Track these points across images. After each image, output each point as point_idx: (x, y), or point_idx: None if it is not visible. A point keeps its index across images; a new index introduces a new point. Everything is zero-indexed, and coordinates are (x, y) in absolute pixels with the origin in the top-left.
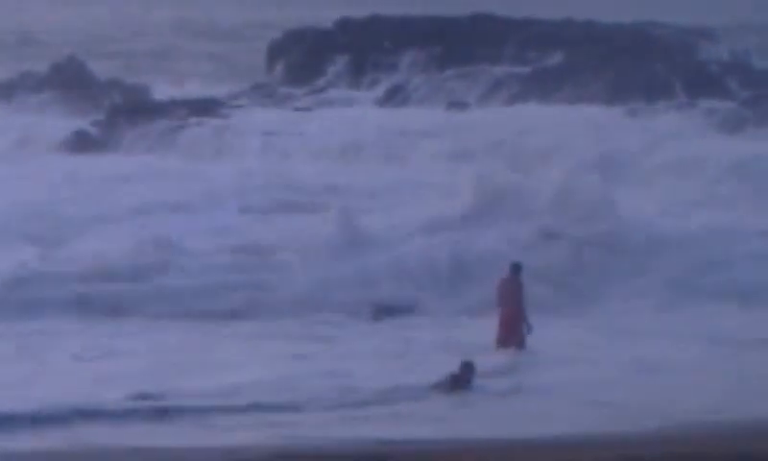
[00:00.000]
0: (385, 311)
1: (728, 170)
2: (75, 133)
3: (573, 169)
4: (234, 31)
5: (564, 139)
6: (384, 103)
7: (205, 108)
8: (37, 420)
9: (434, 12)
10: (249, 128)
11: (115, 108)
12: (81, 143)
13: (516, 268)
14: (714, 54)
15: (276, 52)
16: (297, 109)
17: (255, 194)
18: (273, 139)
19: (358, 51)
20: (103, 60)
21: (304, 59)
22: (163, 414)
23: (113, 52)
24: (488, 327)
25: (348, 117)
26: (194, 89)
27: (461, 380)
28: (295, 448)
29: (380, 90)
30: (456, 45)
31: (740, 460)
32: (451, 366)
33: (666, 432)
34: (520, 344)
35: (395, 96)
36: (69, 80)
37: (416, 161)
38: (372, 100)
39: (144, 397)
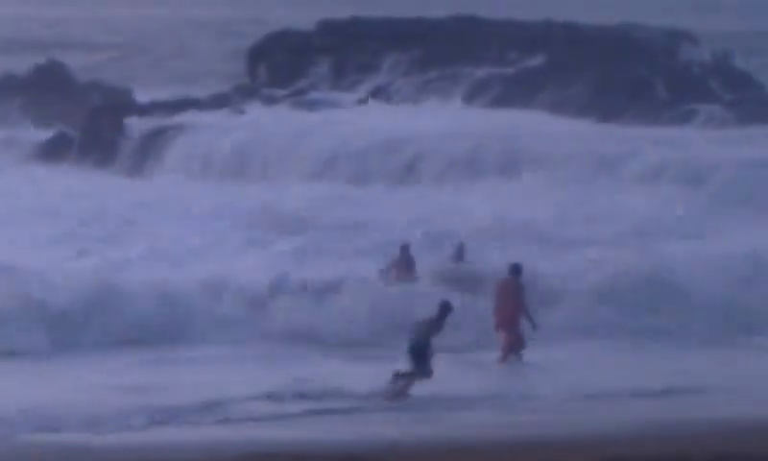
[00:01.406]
0: None
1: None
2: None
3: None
4: (215, 31)
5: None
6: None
7: (185, 110)
8: None
9: (416, 13)
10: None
11: (95, 110)
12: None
13: (515, 269)
14: (696, 56)
15: (257, 54)
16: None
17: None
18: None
19: (340, 53)
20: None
21: (286, 61)
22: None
23: (95, 53)
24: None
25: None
26: (174, 91)
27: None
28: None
29: (362, 92)
30: (438, 47)
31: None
32: None
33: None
34: (521, 344)
35: (377, 98)
36: (49, 83)
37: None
38: (354, 102)
39: None
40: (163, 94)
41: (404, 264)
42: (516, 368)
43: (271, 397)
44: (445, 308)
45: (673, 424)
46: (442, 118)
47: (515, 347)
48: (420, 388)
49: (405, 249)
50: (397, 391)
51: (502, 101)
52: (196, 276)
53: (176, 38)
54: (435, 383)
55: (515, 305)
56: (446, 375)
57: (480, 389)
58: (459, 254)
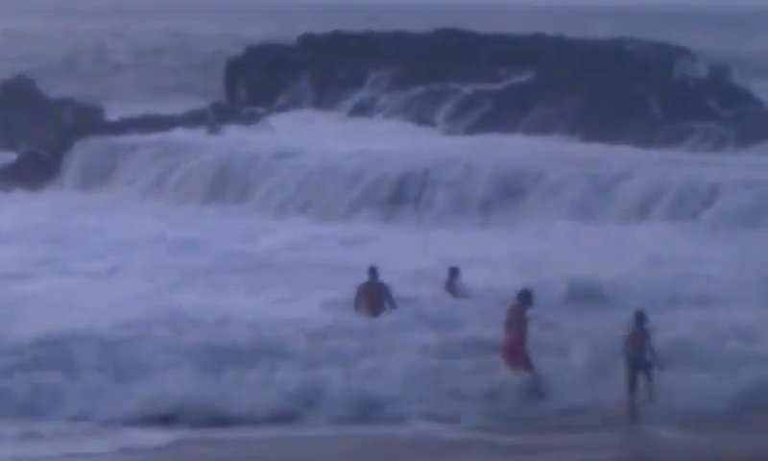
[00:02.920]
0: None
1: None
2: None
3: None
4: (193, 47)
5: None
6: (349, 121)
7: (158, 128)
8: None
9: (399, 27)
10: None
11: (66, 128)
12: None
13: (525, 296)
14: (692, 71)
15: (235, 69)
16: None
17: None
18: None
19: (321, 68)
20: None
21: (266, 76)
22: None
23: (69, 71)
24: None
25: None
26: (150, 108)
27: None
28: None
29: (345, 109)
30: (423, 62)
31: None
32: None
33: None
34: (528, 366)
35: (359, 115)
36: (18, 99)
37: None
38: (336, 119)
39: None
40: (137, 112)
41: (372, 293)
42: None
43: None
44: (640, 317)
45: None
46: (427, 143)
47: (525, 368)
48: None
49: (373, 273)
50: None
51: (490, 118)
52: None
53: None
54: None
55: (518, 334)
56: None
57: None
58: (453, 277)
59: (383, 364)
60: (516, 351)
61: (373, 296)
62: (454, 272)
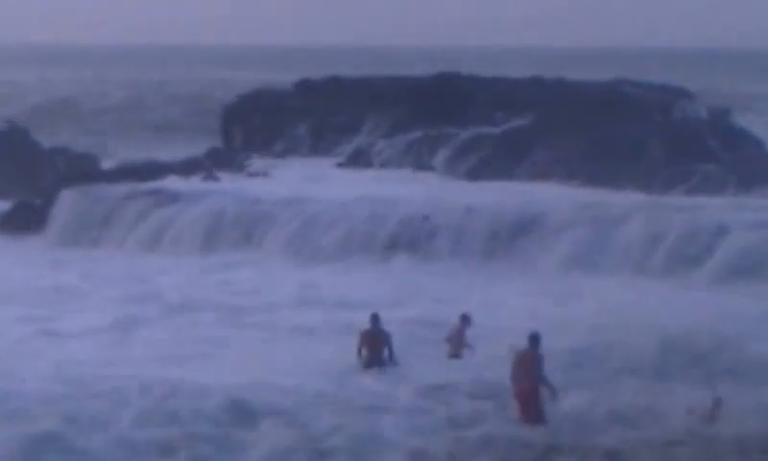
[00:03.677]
0: None
1: None
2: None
3: None
4: (188, 94)
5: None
6: (346, 167)
7: (153, 175)
8: None
9: (397, 71)
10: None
11: (59, 176)
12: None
13: (534, 340)
14: (692, 112)
15: (232, 115)
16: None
17: None
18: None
19: (318, 114)
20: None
21: (262, 122)
22: None
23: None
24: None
25: None
26: (146, 156)
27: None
28: None
29: (342, 154)
30: (421, 106)
31: None
32: None
33: None
34: (539, 418)
35: (357, 160)
36: (11, 148)
37: None
38: (333, 165)
39: None
40: (131, 160)
41: (374, 339)
42: None
43: None
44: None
45: None
46: (426, 188)
47: (536, 420)
48: None
49: (375, 319)
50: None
51: (489, 162)
52: None
53: (146, 101)
54: None
55: (532, 380)
56: None
57: None
58: (464, 324)
59: None
60: (530, 400)
61: (375, 342)
62: (466, 319)
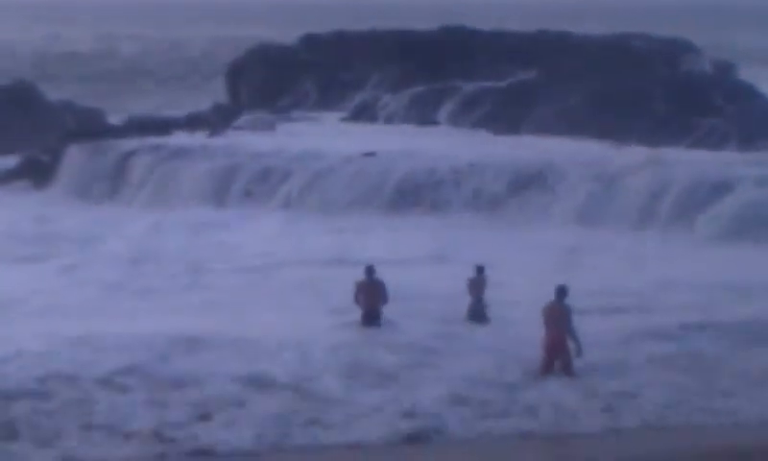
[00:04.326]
0: None
1: None
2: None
3: None
4: (194, 50)
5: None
6: (351, 122)
7: (159, 131)
8: None
9: (402, 25)
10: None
11: (67, 132)
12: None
13: (562, 292)
14: (697, 66)
15: (237, 71)
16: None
17: None
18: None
19: (324, 69)
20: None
21: (268, 78)
22: None
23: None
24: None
25: None
26: (152, 111)
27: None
28: None
29: (348, 109)
30: (426, 60)
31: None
32: None
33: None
34: (567, 368)
35: (362, 115)
36: (19, 103)
37: None
38: (338, 119)
39: None
40: (138, 115)
41: (370, 289)
42: None
43: None
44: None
45: None
46: (432, 140)
47: (566, 371)
48: None
49: (370, 271)
50: None
51: (493, 116)
52: None
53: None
54: None
55: (561, 330)
56: None
57: None
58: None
59: None
60: (558, 349)
61: (371, 292)
62: (480, 270)
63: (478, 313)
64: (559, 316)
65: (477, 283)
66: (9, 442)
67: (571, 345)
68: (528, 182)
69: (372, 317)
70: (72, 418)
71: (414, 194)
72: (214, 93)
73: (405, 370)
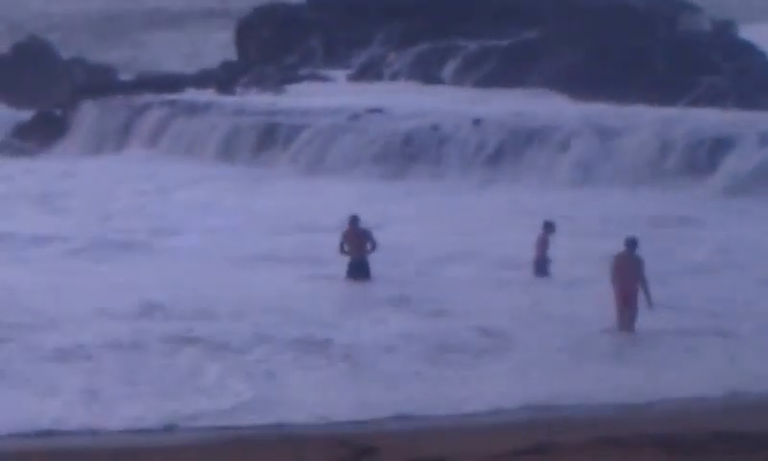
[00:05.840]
0: None
1: None
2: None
3: None
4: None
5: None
6: (357, 80)
7: (169, 88)
8: None
9: None
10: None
11: (79, 87)
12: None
13: (632, 243)
14: (696, 25)
15: (246, 28)
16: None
17: None
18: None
19: (330, 27)
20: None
21: (275, 36)
22: None
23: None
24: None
25: None
26: (163, 68)
27: None
28: None
29: (354, 67)
30: (430, 19)
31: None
32: None
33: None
34: (630, 324)
35: (367, 73)
36: (32, 60)
37: None
38: (344, 77)
39: None
40: (148, 72)
41: (355, 238)
42: None
43: None
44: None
45: None
46: (433, 98)
47: (628, 326)
48: None
49: (354, 220)
50: None
51: (495, 75)
52: None
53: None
54: None
55: (633, 280)
56: None
57: None
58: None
59: None
60: (628, 303)
61: (357, 239)
62: (549, 226)
63: (542, 268)
64: (631, 267)
65: (542, 240)
66: None
67: (642, 297)
68: (530, 139)
69: (359, 268)
70: None
71: (417, 151)
72: (223, 51)
73: None
